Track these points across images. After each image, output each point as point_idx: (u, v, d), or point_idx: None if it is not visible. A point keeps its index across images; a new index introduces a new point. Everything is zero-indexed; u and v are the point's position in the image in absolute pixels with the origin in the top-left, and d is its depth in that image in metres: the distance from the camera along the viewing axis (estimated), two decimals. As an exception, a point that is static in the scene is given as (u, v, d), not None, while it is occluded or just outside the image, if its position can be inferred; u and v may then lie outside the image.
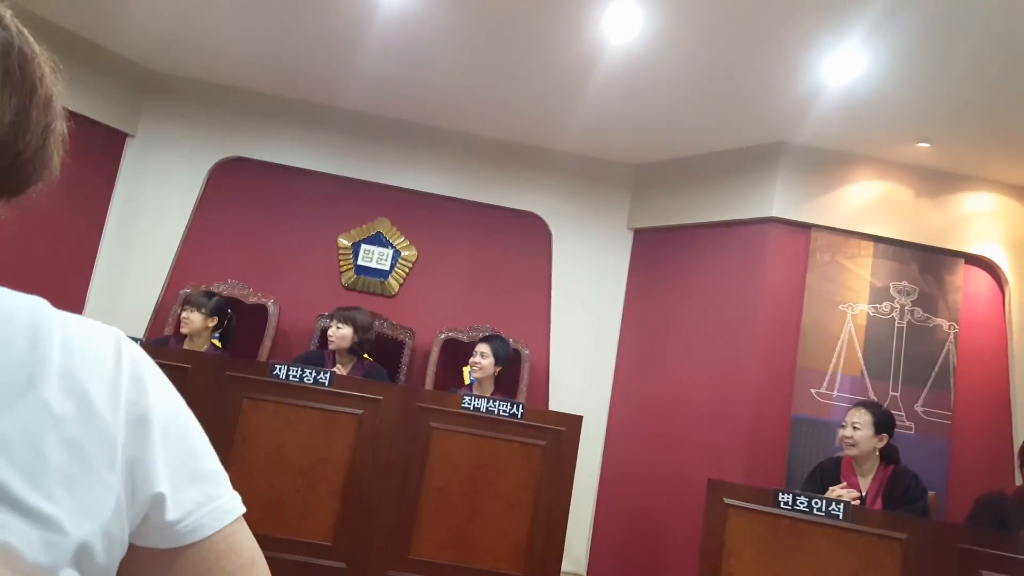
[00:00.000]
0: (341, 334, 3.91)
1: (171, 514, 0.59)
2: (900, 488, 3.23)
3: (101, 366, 0.59)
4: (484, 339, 4.06)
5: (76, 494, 0.54)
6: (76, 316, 0.61)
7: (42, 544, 0.51)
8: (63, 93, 0.63)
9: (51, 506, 0.53)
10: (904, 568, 2.60)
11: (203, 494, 0.62)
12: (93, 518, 0.55)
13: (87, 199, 4.74)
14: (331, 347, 3.96)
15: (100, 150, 4.79)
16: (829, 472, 3.41)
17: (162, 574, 0.60)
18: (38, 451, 0.53)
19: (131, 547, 0.59)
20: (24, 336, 0.56)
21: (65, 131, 0.64)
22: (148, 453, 0.59)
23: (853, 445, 3.28)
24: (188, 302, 3.99)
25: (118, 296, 4.78)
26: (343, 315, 3.96)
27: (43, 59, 0.61)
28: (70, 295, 4.66)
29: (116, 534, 0.56)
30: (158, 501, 0.59)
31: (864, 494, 3.27)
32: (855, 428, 3.28)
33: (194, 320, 3.89)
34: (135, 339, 2.94)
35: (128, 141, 4.94)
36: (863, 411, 3.32)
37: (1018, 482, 4.18)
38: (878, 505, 3.22)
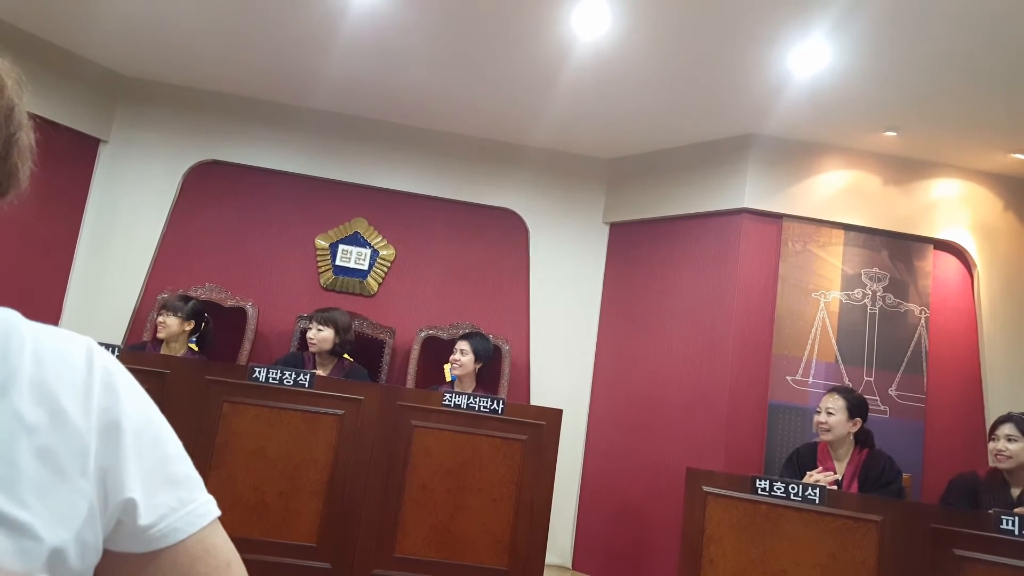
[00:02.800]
0: (322, 336, 3.91)
1: (144, 519, 0.59)
2: (875, 471, 3.29)
3: (73, 375, 0.59)
4: (464, 336, 4.08)
5: (49, 501, 0.55)
6: (48, 327, 0.61)
7: (16, 551, 0.52)
8: (27, 104, 0.63)
9: (25, 513, 0.53)
10: (880, 549, 2.65)
11: (176, 499, 0.62)
12: (67, 525, 0.55)
13: (61, 206, 4.70)
14: (312, 349, 3.96)
15: (73, 156, 4.75)
16: (805, 457, 3.47)
17: None
18: (10, 460, 0.54)
19: (106, 552, 0.59)
20: None
21: (32, 142, 0.64)
22: (120, 460, 0.60)
23: (828, 430, 3.34)
24: (164, 307, 3.98)
25: (95, 303, 4.75)
26: (323, 317, 3.96)
27: (3, 71, 0.60)
28: (46, 303, 4.63)
29: (90, 541, 0.57)
30: (130, 507, 0.59)
31: (840, 478, 3.32)
32: (829, 413, 3.34)
33: (170, 324, 3.88)
34: (112, 346, 2.94)
35: (101, 147, 4.90)
36: (836, 397, 3.38)
37: (990, 461, 4.28)
38: (854, 488, 3.28)
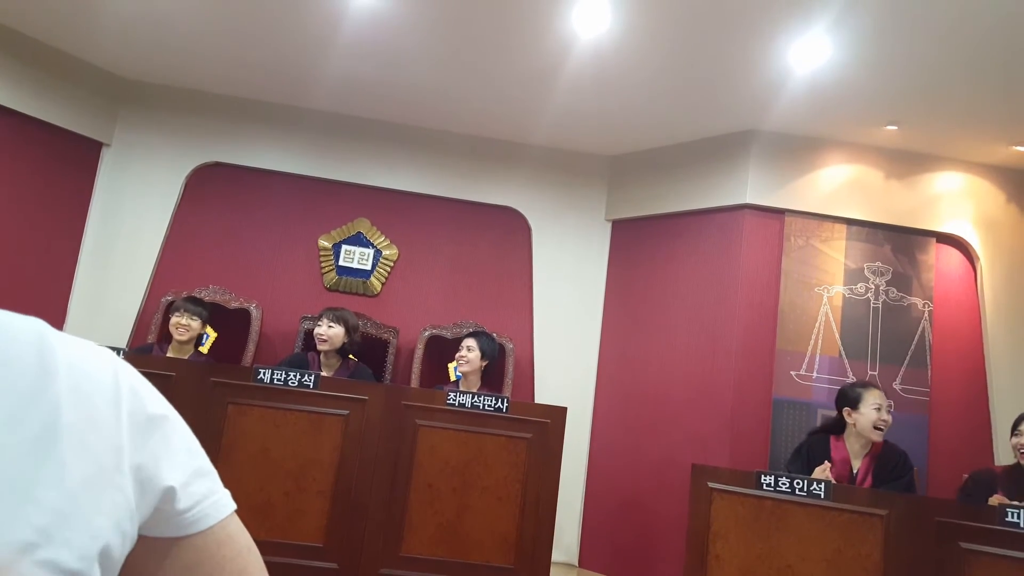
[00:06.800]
0: (333, 333, 3.90)
1: (181, 504, 0.64)
2: (889, 465, 3.29)
3: (101, 379, 0.63)
4: (471, 334, 4.09)
5: (94, 497, 0.58)
6: (71, 336, 0.64)
7: (76, 552, 0.56)
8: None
9: (76, 510, 0.57)
10: (885, 543, 2.66)
11: (206, 487, 0.67)
12: (110, 518, 0.59)
13: (64, 210, 4.72)
14: (322, 347, 3.92)
15: (76, 160, 4.77)
16: (817, 450, 3.44)
17: (169, 560, 0.65)
18: (57, 458, 0.57)
19: (141, 538, 0.63)
20: (32, 353, 0.59)
21: None
22: (154, 455, 0.64)
23: (883, 429, 3.32)
24: (185, 310, 3.95)
25: (99, 306, 4.77)
26: (335, 315, 3.94)
27: None
28: (51, 307, 4.64)
29: (128, 531, 0.61)
30: (169, 494, 0.63)
31: (856, 471, 3.32)
32: (889, 411, 3.33)
33: (194, 327, 3.91)
34: (117, 349, 2.95)
35: (104, 150, 4.91)
36: (882, 394, 3.36)
37: (996, 455, 4.28)
38: (868, 481, 3.28)
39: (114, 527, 0.59)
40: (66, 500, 0.56)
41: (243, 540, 0.69)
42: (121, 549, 0.60)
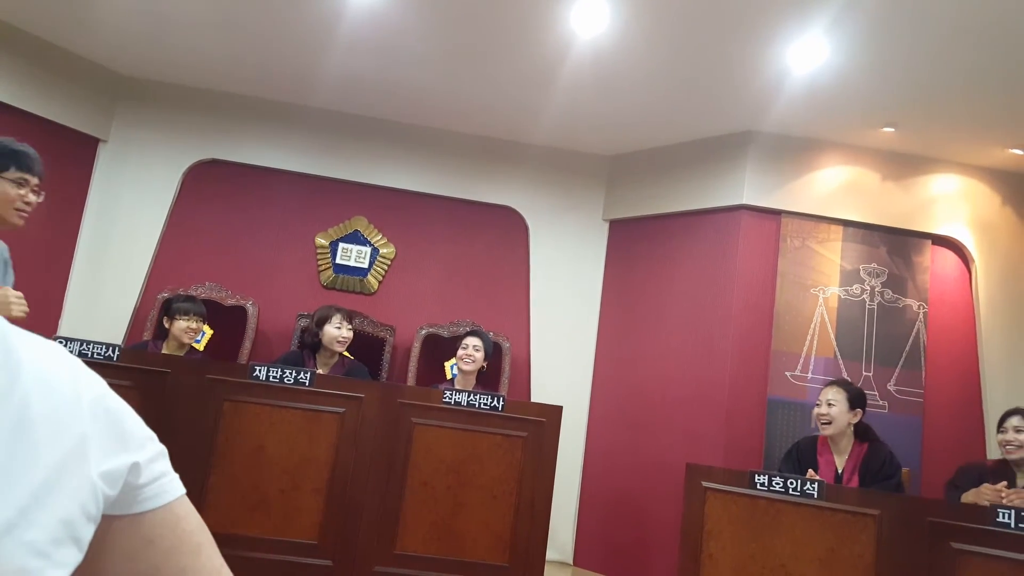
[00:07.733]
0: (352, 334, 3.92)
1: (143, 479, 0.67)
2: (876, 465, 3.30)
3: (60, 373, 0.65)
4: (473, 333, 4.07)
5: (63, 483, 0.60)
6: (25, 332, 0.66)
7: (49, 534, 0.58)
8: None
9: (48, 495, 0.59)
10: (878, 543, 2.66)
11: (164, 467, 0.70)
12: (77, 502, 0.61)
13: (61, 205, 4.71)
14: (341, 349, 3.91)
15: (73, 156, 4.76)
16: (806, 452, 3.47)
17: (131, 535, 0.67)
18: (32, 445, 0.59)
19: (104, 517, 0.65)
20: None
21: None
22: (117, 440, 0.66)
23: (829, 423, 3.34)
24: (194, 313, 3.92)
25: (95, 303, 4.76)
26: (348, 313, 3.95)
27: None
28: (46, 303, 4.64)
29: (94, 515, 0.63)
30: (135, 468, 0.66)
31: (841, 471, 3.34)
32: (830, 405, 3.34)
33: (200, 329, 3.91)
34: (112, 345, 2.94)
35: (101, 146, 4.91)
36: (837, 388, 3.39)
37: (990, 454, 4.29)
38: (854, 482, 3.29)
39: (80, 510, 0.61)
40: (40, 485, 0.58)
41: (197, 519, 0.73)
42: (87, 532, 0.62)
